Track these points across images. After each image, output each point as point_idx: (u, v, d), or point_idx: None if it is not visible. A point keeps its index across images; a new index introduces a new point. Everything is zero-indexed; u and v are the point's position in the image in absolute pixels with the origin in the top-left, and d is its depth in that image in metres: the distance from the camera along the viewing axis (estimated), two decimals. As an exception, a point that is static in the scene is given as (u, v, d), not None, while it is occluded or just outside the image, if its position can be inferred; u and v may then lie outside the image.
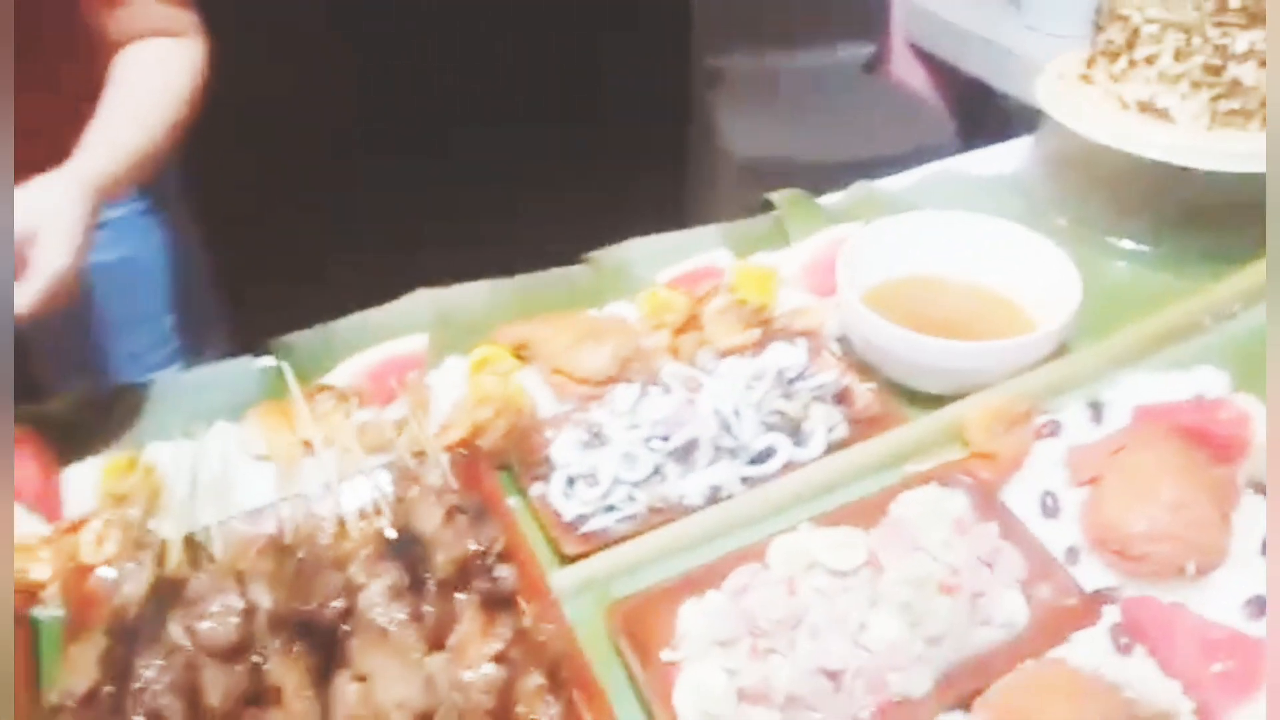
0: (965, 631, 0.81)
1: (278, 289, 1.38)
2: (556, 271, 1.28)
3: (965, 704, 0.77)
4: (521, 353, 1.11)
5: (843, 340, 1.11)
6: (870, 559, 0.85)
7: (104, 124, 1.03)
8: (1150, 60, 1.24)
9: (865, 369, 1.06)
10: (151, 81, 1.09)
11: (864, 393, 1.03)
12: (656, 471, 0.96)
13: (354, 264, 1.51)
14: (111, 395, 1.11)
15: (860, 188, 1.41)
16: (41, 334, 1.25)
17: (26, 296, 0.90)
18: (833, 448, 0.99)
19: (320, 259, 1.75)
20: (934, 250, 1.17)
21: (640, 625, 0.84)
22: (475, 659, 0.75)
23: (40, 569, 0.90)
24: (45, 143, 0.99)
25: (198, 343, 1.37)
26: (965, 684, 0.78)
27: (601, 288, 1.25)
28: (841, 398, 1.03)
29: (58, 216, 0.92)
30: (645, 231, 1.32)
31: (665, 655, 0.82)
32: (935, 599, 0.82)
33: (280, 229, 1.75)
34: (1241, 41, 1.19)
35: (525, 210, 1.85)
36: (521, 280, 1.26)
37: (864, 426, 1.01)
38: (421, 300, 1.22)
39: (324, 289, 1.24)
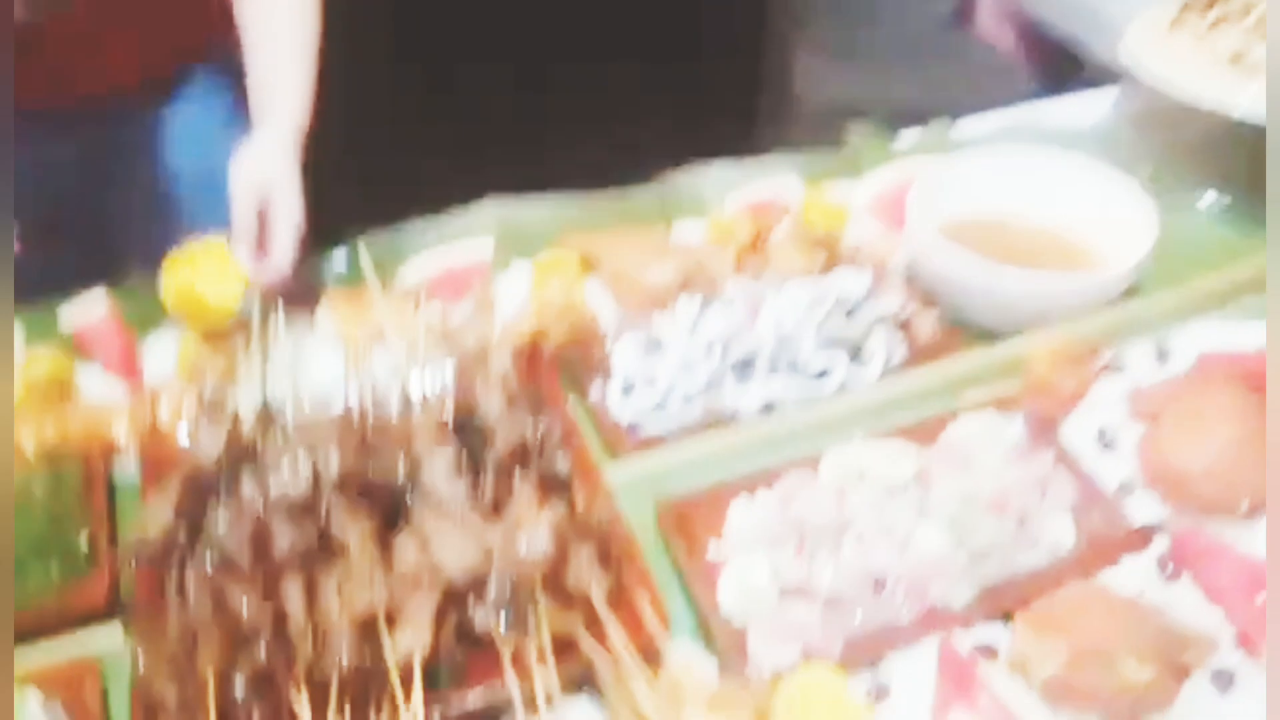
0: (1011, 551, 0.82)
1: (351, 191, 1.40)
2: (626, 190, 1.29)
3: (1006, 617, 0.78)
4: (588, 262, 1.13)
5: (910, 274, 1.11)
6: (921, 474, 0.86)
7: (276, 70, 1.08)
8: (1245, 11, 1.21)
9: (930, 301, 1.06)
10: (293, 14, 1.11)
11: (927, 322, 1.03)
12: (713, 382, 0.98)
13: (425, 173, 1.54)
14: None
15: (936, 128, 1.40)
16: (127, 218, 1.30)
17: (282, 257, 1.00)
18: (891, 371, 0.99)
19: (393, 165, 1.78)
20: (1009, 189, 1.15)
21: (689, 522, 0.86)
22: (530, 532, 0.77)
23: (120, 429, 0.94)
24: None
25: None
26: (1007, 598, 0.79)
27: (669, 209, 1.25)
28: (904, 325, 1.03)
29: (282, 177, 1.00)
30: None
31: (712, 552, 0.84)
32: (982, 516, 0.83)
33: (356, 131, 1.78)
34: (1343, -7, 1.16)
35: (597, 134, 1.86)
36: (591, 196, 1.28)
37: (925, 354, 1.01)
38: (491, 208, 1.24)
39: (395, 195, 1.27)
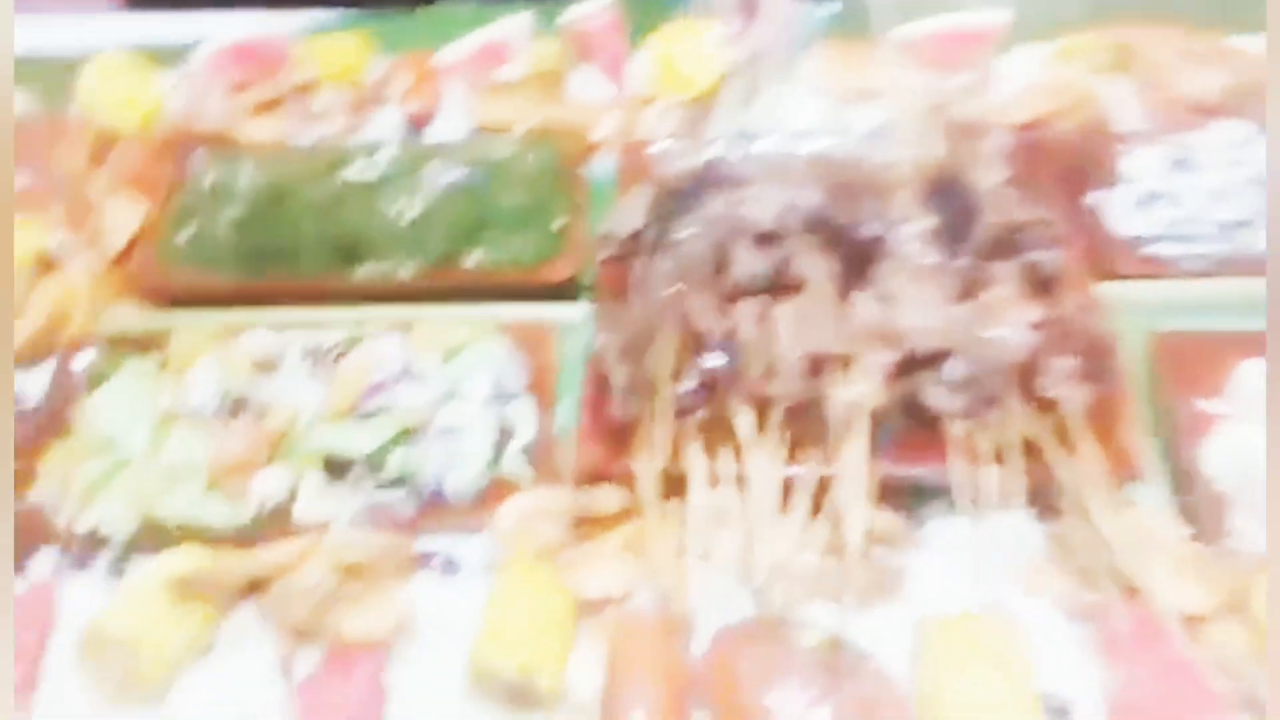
0: None
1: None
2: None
3: None
4: (1120, 56, 0.97)
5: None
6: None
7: None
8: None
9: None
10: None
11: None
12: (1250, 220, 0.81)
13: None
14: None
15: None
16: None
17: (768, 19, 0.96)
18: None
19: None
20: None
21: (1187, 366, 0.74)
22: (1008, 323, 0.69)
23: (604, 129, 0.96)
24: None
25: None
26: None
27: (1220, 16, 1.04)
28: None
29: None
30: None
31: (1205, 404, 0.72)
32: None
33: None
34: None
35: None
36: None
37: None
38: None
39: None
